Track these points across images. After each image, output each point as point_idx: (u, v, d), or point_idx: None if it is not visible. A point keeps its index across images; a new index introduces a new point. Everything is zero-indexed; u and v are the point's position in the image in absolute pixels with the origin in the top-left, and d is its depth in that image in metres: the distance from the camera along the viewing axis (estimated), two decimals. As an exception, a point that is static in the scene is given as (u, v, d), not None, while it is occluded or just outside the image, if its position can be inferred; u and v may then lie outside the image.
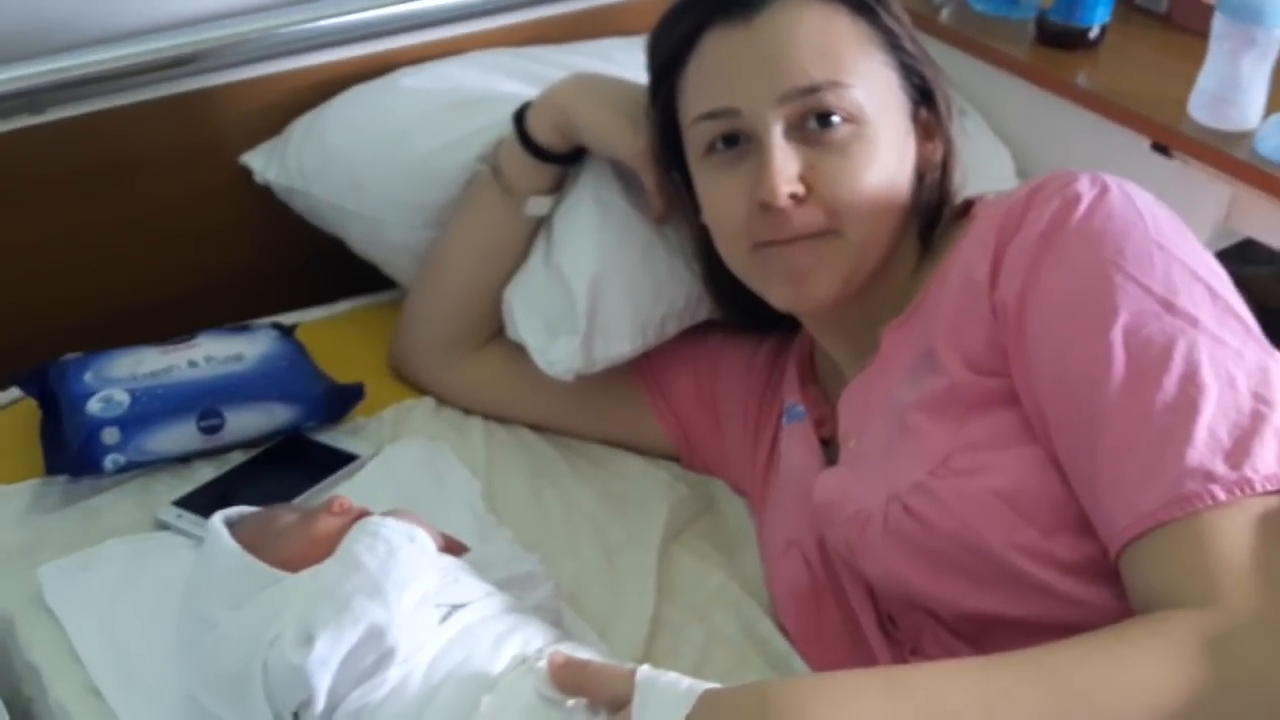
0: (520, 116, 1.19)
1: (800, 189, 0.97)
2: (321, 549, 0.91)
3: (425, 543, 0.91)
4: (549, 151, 1.18)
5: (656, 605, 1.07)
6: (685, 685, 0.77)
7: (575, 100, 1.17)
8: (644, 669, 0.79)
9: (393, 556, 0.87)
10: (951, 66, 1.08)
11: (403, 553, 0.88)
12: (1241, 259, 1.48)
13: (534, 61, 1.39)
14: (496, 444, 1.27)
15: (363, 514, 0.96)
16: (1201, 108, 1.34)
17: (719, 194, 1.02)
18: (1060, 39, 1.50)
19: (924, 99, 1.03)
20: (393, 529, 0.90)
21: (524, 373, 1.22)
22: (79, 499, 1.17)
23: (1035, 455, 0.87)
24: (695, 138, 1.02)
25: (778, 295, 1.03)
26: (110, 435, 1.14)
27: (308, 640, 0.83)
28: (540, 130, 1.18)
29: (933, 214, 1.04)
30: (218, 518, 0.98)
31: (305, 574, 0.89)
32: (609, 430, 1.29)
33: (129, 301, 1.39)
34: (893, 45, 1.00)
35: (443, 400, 1.31)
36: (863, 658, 1.00)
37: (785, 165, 0.96)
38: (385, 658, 0.85)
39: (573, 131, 1.17)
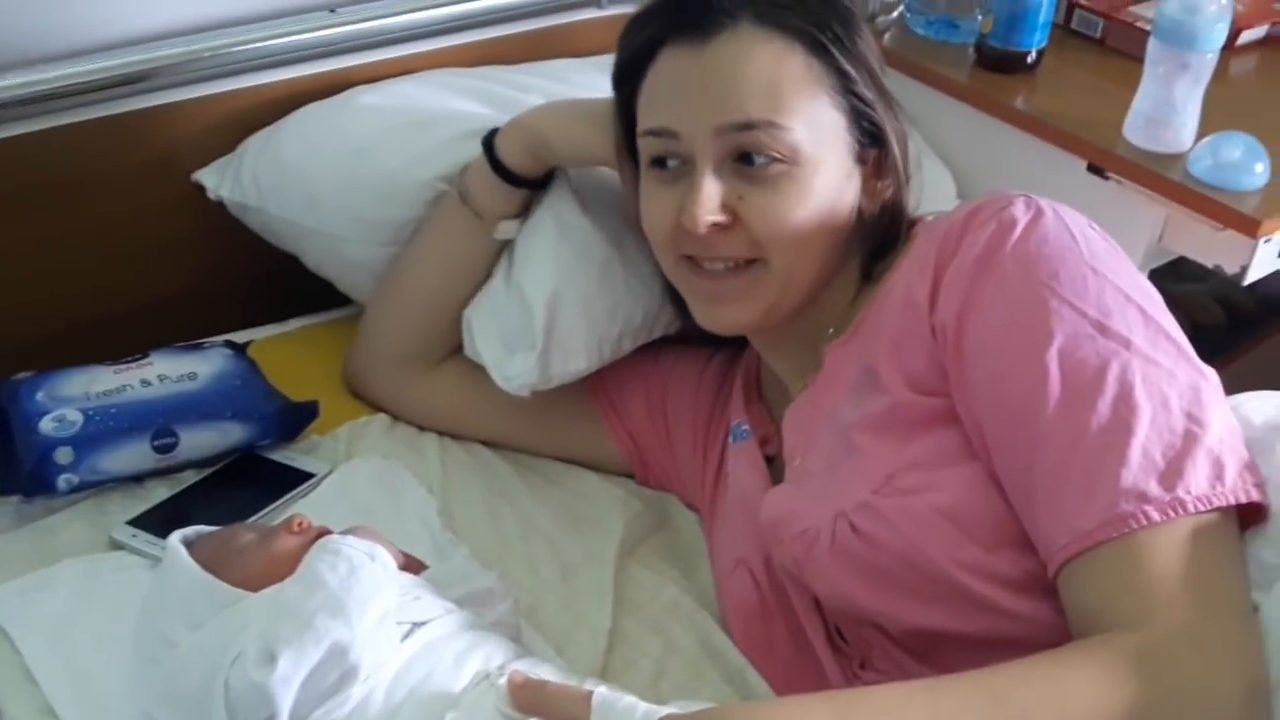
0: (489, 143, 1.21)
1: (723, 218, 0.99)
2: (282, 568, 0.91)
3: (386, 560, 0.92)
4: (519, 175, 1.20)
5: (614, 619, 1.09)
6: (642, 710, 0.78)
7: (545, 119, 1.18)
8: (600, 692, 0.80)
9: (354, 575, 0.88)
10: (893, 89, 1.10)
11: (364, 571, 0.89)
12: (1175, 276, 1.53)
13: (488, 81, 1.40)
14: (452, 461, 1.28)
15: (323, 532, 0.96)
16: (1136, 130, 1.37)
17: (653, 206, 1.04)
18: (999, 63, 1.53)
19: (873, 141, 1.03)
20: (354, 547, 0.91)
21: (479, 389, 1.24)
22: (31, 519, 1.16)
23: (976, 473, 0.89)
24: (642, 148, 1.05)
25: (698, 315, 1.06)
26: (64, 455, 1.14)
27: (270, 659, 0.84)
28: (510, 153, 1.19)
29: (880, 246, 1.06)
30: (175, 537, 0.98)
31: (267, 593, 0.90)
32: (563, 447, 1.30)
33: (80, 318, 1.39)
34: (845, 89, 1.01)
35: (397, 417, 1.32)
36: (812, 672, 1.02)
37: (709, 197, 0.98)
38: (348, 676, 0.86)
39: (544, 150, 1.18)
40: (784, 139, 0.98)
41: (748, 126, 0.97)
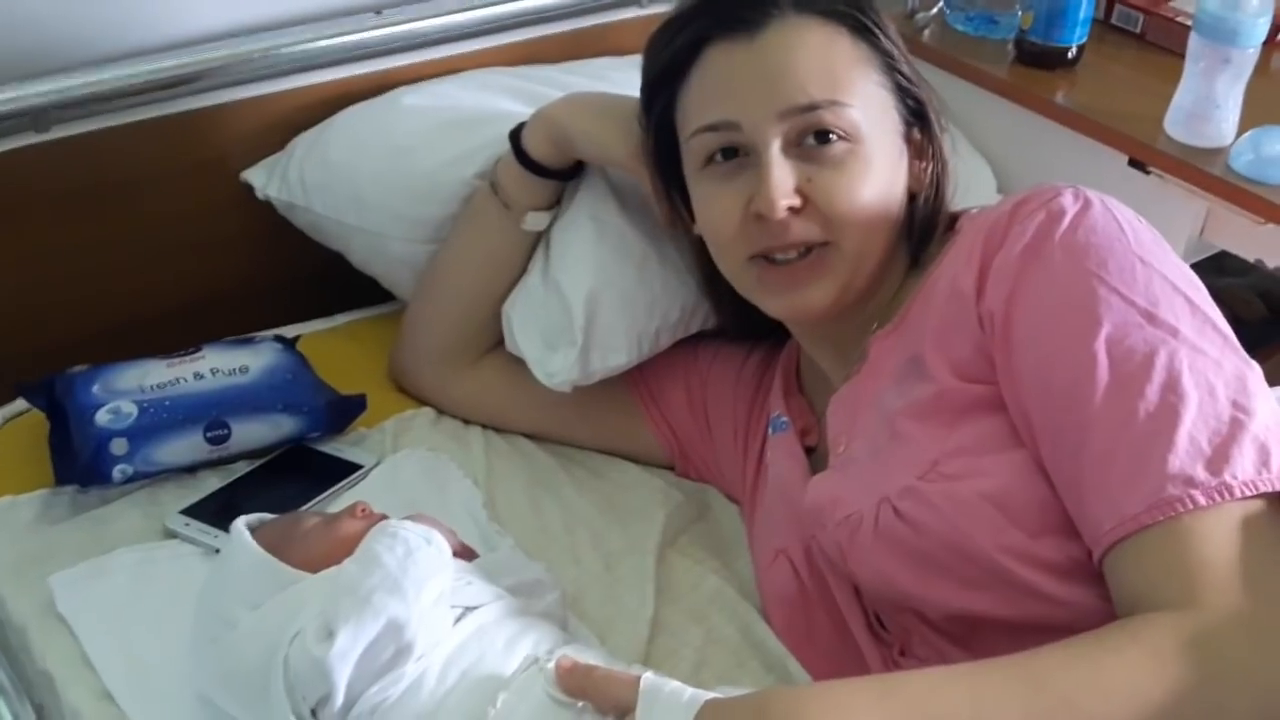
0: (516, 135, 1.22)
1: (797, 202, 0.99)
2: (344, 550, 0.94)
3: (441, 545, 0.94)
4: (545, 167, 1.21)
5: (655, 609, 1.10)
6: (688, 695, 0.79)
7: (568, 113, 1.20)
8: (648, 676, 0.82)
9: (411, 556, 0.90)
10: (933, 85, 1.11)
11: (420, 553, 0.91)
12: (1217, 271, 1.52)
13: (530, 80, 1.42)
14: (496, 454, 1.29)
15: (383, 519, 0.99)
16: (1177, 125, 1.37)
17: (716, 204, 1.04)
18: (1039, 58, 1.53)
19: (917, 120, 1.06)
20: (411, 530, 0.93)
21: (522, 383, 1.25)
22: (87, 509, 1.19)
23: (1022, 460, 0.90)
24: (695, 148, 1.05)
25: (773, 305, 1.06)
26: (119, 446, 1.16)
27: (329, 635, 0.86)
28: (536, 146, 1.21)
29: (924, 231, 1.07)
30: (240, 521, 1.00)
31: (326, 573, 0.92)
32: (605, 439, 1.31)
33: (132, 314, 1.41)
34: (889, 67, 1.03)
35: (442, 411, 1.34)
36: (852, 660, 1.03)
37: (783, 180, 0.99)
38: (403, 652, 0.88)
39: (567, 144, 1.19)
40: (847, 116, 0.99)
41: (812, 107, 0.99)
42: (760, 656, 1.07)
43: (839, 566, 1.02)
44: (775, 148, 0.99)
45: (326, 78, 1.44)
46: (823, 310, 1.03)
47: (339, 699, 0.86)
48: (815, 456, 1.12)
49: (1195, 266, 1.37)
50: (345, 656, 0.85)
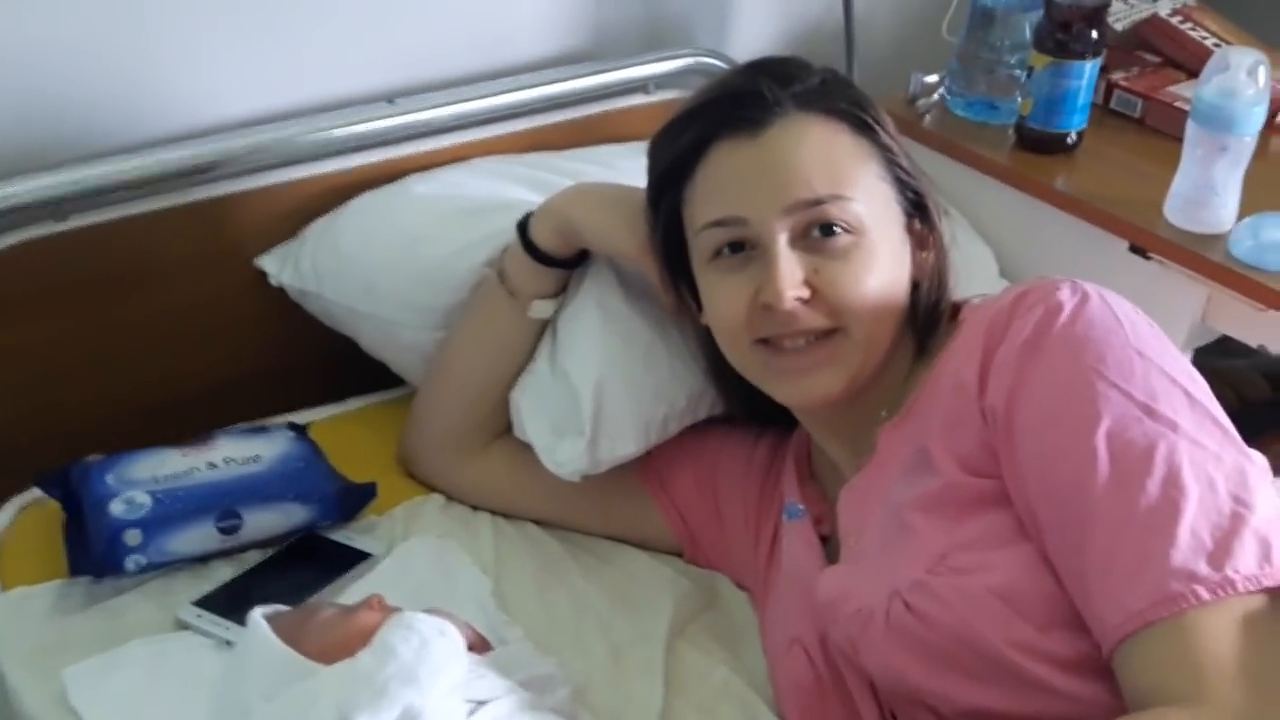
0: (523, 224, 1.24)
1: (805, 293, 1.01)
2: (360, 641, 0.95)
3: (455, 637, 0.95)
4: (552, 256, 1.23)
5: (664, 700, 1.10)
6: None
7: (575, 205, 1.22)
8: None
9: (425, 647, 0.92)
10: (934, 169, 1.14)
11: (435, 644, 0.93)
12: (1220, 352, 1.53)
13: (538, 168, 1.45)
14: (505, 540, 1.29)
15: (399, 612, 1.00)
16: (1177, 211, 1.39)
17: (723, 295, 1.06)
18: (1039, 144, 1.55)
19: (918, 211, 1.08)
20: (425, 622, 0.95)
21: (530, 470, 1.26)
22: (101, 599, 1.19)
23: (1029, 554, 0.91)
24: (702, 243, 1.07)
25: (782, 392, 1.07)
26: (132, 537, 1.17)
27: None
28: (543, 236, 1.23)
29: (928, 320, 1.08)
30: (257, 612, 1.01)
31: (341, 665, 0.93)
32: (614, 526, 1.32)
33: (148, 400, 1.42)
34: (889, 161, 1.06)
35: (451, 497, 1.34)
36: (865, 753, 1.02)
37: (791, 272, 1.01)
38: None
39: (574, 235, 1.21)
40: (851, 210, 1.02)
41: (817, 202, 1.01)
42: (769, 749, 1.07)
43: (852, 659, 1.02)
44: (782, 241, 1.01)
45: (339, 166, 1.46)
46: (833, 397, 1.04)
47: None
48: (830, 545, 1.13)
49: (1200, 348, 1.39)
50: None
